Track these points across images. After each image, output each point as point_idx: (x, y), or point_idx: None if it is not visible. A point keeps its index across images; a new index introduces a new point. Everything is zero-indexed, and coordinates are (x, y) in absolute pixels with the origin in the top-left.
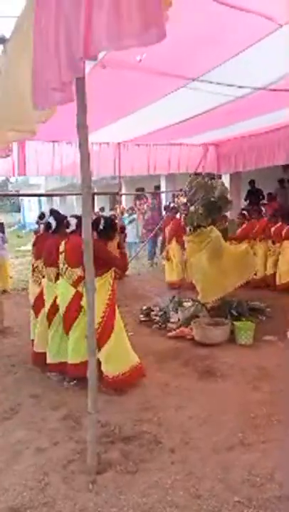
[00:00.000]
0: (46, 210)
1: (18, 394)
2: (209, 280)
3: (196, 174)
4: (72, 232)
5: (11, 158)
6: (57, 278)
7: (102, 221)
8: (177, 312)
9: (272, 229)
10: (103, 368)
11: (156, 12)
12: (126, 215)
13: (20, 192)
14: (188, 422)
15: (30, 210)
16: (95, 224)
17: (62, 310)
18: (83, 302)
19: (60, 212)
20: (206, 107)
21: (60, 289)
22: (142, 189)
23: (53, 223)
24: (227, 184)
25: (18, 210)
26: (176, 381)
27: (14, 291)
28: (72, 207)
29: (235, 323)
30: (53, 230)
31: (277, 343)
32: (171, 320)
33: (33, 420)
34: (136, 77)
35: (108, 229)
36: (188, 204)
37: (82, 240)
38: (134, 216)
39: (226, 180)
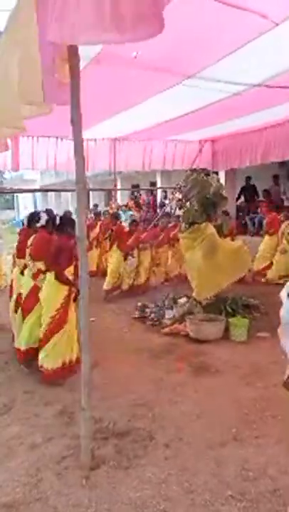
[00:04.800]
0: (42, 207)
1: (11, 390)
2: (204, 277)
3: (192, 170)
4: (42, 227)
5: (4, 153)
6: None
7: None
8: (172, 308)
9: None
10: (42, 360)
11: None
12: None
13: (16, 188)
14: (182, 417)
15: (25, 208)
16: (52, 220)
17: (23, 300)
18: (40, 295)
19: (53, 208)
20: (201, 103)
21: (24, 280)
22: (137, 185)
23: (25, 220)
24: (222, 181)
25: (13, 207)
26: (170, 377)
27: (8, 288)
28: (67, 203)
29: (229, 319)
30: (27, 225)
31: (270, 339)
32: (166, 316)
33: (27, 416)
34: (131, 74)
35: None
36: (184, 200)
37: (68, 237)
38: (131, 213)
39: (221, 176)
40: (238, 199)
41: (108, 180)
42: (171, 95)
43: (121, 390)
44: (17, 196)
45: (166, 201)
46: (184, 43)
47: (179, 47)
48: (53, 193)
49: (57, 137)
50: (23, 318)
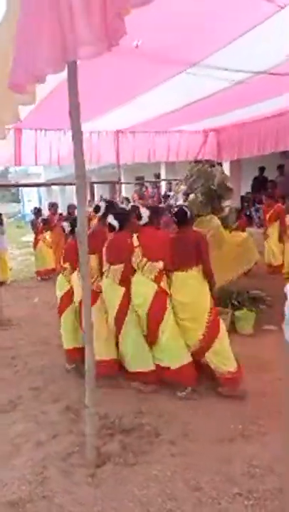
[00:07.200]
0: (46, 200)
1: (17, 387)
2: None
3: (197, 162)
4: (146, 224)
5: (8, 147)
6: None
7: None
8: None
9: None
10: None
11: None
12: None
13: (20, 182)
14: (188, 413)
15: (30, 201)
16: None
17: (144, 310)
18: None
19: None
20: (206, 92)
21: (137, 287)
22: (142, 178)
23: (116, 223)
24: (227, 172)
25: (18, 201)
26: None
27: (14, 283)
28: (71, 197)
29: (235, 312)
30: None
31: (277, 332)
32: None
33: (33, 413)
34: (133, 64)
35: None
36: (188, 192)
37: (89, 231)
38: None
39: (226, 168)
40: (253, 190)
41: (112, 173)
42: (174, 85)
43: (126, 386)
44: (22, 189)
45: (171, 193)
46: (186, 30)
47: (181, 34)
48: (57, 186)
49: (60, 130)
50: (153, 338)
